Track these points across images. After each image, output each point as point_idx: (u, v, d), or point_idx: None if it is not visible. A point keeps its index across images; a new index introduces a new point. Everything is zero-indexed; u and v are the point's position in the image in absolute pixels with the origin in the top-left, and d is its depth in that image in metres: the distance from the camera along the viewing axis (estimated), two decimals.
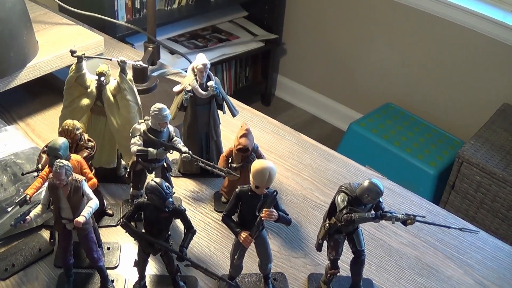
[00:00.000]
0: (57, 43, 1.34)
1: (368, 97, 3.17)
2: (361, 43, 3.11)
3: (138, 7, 2.64)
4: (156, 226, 0.83)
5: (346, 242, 0.90)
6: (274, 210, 0.82)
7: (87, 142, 0.97)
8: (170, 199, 0.80)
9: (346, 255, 0.92)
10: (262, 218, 0.82)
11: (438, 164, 2.54)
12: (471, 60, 2.69)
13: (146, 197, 0.81)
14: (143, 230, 0.84)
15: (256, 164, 0.81)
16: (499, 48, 2.54)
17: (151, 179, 0.81)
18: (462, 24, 2.63)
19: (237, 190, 0.83)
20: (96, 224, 0.94)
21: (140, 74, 1.35)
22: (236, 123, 1.19)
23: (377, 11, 2.95)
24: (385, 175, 1.27)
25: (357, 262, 0.91)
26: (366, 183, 0.82)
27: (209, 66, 1.07)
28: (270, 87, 3.56)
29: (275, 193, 0.82)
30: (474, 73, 2.70)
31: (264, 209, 0.81)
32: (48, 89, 1.40)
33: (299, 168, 1.25)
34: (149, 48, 1.42)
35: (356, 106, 3.27)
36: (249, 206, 0.83)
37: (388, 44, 2.98)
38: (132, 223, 0.84)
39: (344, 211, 0.83)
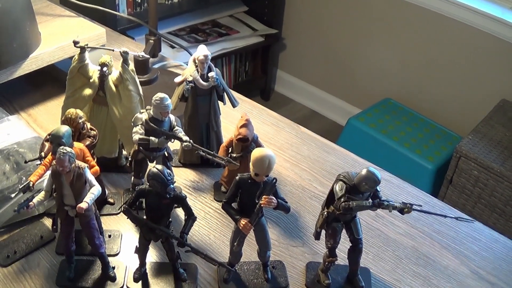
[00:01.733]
0: (60, 35, 1.35)
1: (367, 92, 3.18)
2: (360, 39, 3.11)
3: (139, 0, 2.64)
4: (157, 212, 0.84)
5: (344, 231, 0.91)
6: (273, 197, 0.83)
7: (89, 130, 0.98)
8: (172, 186, 0.81)
9: (344, 244, 0.93)
10: (262, 205, 0.83)
11: (436, 159, 2.56)
12: (469, 56, 2.70)
13: (148, 184, 0.83)
14: (145, 217, 0.86)
15: (256, 152, 0.82)
16: (497, 44, 2.55)
17: (153, 166, 0.82)
18: (461, 21, 2.63)
19: (237, 177, 0.85)
20: (97, 211, 0.95)
21: (141, 66, 1.36)
22: (236, 115, 1.20)
23: (376, 7, 2.96)
24: (383, 169, 1.28)
25: (355, 251, 0.92)
26: (363, 171, 0.83)
27: (210, 57, 1.08)
28: (269, 82, 3.56)
29: (274, 180, 0.83)
30: (473, 69, 2.71)
31: (264, 196, 0.83)
32: (50, 80, 1.42)
33: (297, 159, 1.26)
34: (150, 41, 1.43)
35: (355, 101, 3.28)
36: (248, 193, 0.85)
37: (387, 40, 2.99)
38: (134, 210, 0.86)
39: (342, 199, 0.84)
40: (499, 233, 1.14)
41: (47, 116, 1.32)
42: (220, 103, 1.14)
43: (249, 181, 0.84)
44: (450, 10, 2.65)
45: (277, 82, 3.69)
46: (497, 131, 2.39)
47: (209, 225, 1.06)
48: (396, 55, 2.99)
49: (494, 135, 2.37)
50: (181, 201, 0.84)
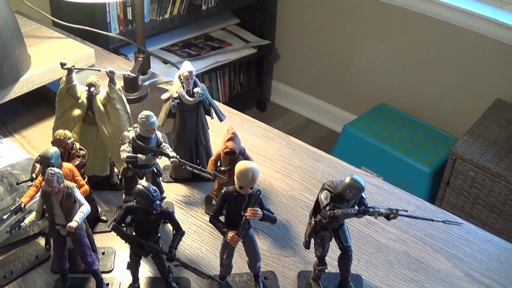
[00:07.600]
0: (49, 57, 1.37)
1: (361, 98, 3.20)
2: (352, 45, 3.13)
3: (130, 18, 2.66)
4: (145, 228, 0.85)
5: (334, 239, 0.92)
6: (258, 209, 0.85)
7: (78, 150, 1.00)
8: (158, 202, 0.82)
9: (335, 252, 0.94)
10: (247, 217, 0.84)
11: (433, 162, 2.57)
12: (462, 57, 2.71)
13: (135, 201, 0.84)
14: (134, 233, 0.87)
15: (240, 165, 0.84)
16: (489, 44, 2.57)
17: (139, 183, 0.84)
18: (452, 22, 2.65)
19: (222, 191, 0.86)
20: (90, 229, 0.96)
21: (130, 84, 1.38)
22: (225, 128, 1.22)
23: (367, 13, 2.98)
24: (381, 175, 1.28)
25: (344, 258, 0.93)
26: (347, 179, 0.84)
27: (195, 73, 1.10)
28: (265, 92, 3.57)
29: (258, 192, 0.85)
30: (466, 70, 2.72)
31: (249, 209, 0.84)
32: (42, 102, 1.43)
33: (288, 169, 1.27)
34: (139, 58, 1.45)
35: (350, 108, 3.29)
36: (234, 206, 0.86)
37: (379, 45, 3.01)
38: (124, 227, 0.87)
39: (327, 208, 0.85)
40: (499, 234, 1.14)
41: (40, 137, 1.33)
42: (208, 117, 1.16)
43: (235, 194, 0.85)
44: (440, 12, 2.67)
45: (272, 93, 3.70)
46: (492, 131, 2.40)
47: (201, 238, 1.07)
48: (389, 59, 3.00)
49: (490, 135, 2.38)
50: (168, 216, 0.85)
